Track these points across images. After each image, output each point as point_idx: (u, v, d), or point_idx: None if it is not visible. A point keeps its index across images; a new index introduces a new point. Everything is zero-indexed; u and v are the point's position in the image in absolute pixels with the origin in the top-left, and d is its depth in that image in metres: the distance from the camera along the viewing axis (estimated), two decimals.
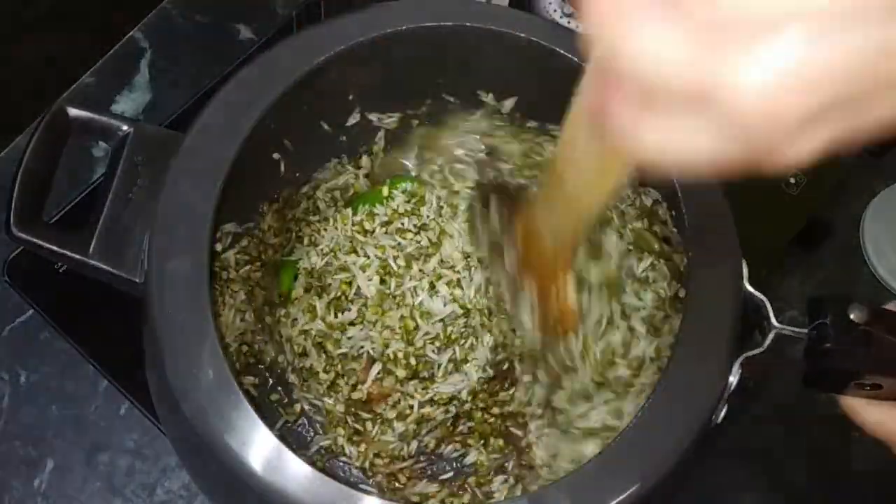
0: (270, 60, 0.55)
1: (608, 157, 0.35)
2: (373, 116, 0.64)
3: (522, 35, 0.56)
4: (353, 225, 0.66)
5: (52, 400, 0.67)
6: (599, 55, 0.28)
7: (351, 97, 0.61)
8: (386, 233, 0.66)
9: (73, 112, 0.53)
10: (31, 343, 0.69)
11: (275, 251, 0.64)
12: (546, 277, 0.52)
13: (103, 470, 0.66)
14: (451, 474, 0.62)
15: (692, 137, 0.27)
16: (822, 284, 0.76)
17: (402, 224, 0.66)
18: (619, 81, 0.27)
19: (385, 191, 0.67)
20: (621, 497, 0.46)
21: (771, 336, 0.50)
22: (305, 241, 0.66)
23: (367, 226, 0.66)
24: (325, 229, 0.66)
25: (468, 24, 0.57)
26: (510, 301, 0.54)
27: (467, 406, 0.63)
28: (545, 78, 0.59)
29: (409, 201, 0.67)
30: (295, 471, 0.45)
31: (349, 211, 0.67)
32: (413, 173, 0.68)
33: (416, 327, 0.63)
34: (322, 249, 0.66)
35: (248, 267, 0.61)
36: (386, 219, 0.67)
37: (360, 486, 0.61)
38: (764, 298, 0.51)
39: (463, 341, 0.64)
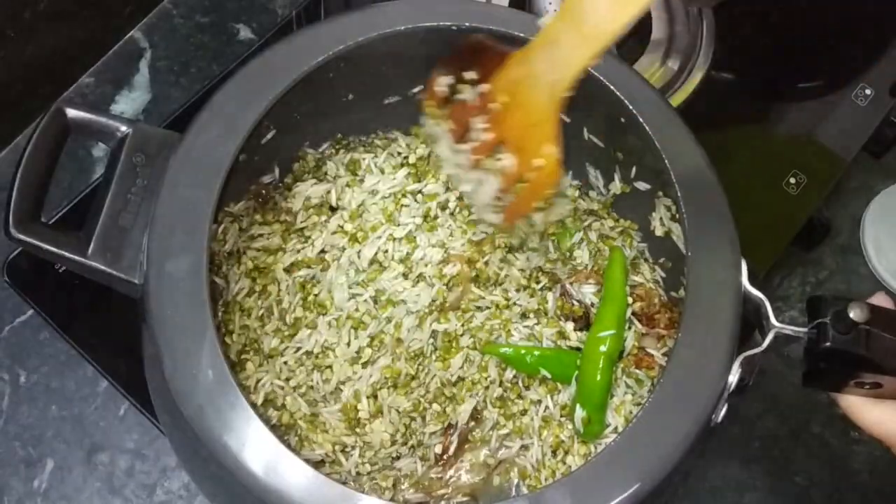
0: (270, 60, 0.55)
1: None
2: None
3: (522, 35, 0.56)
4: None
5: (51, 400, 0.67)
6: None
7: (351, 97, 0.61)
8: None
9: (72, 112, 0.53)
10: (31, 343, 0.69)
11: None
12: (524, 140, 0.52)
13: (103, 470, 0.66)
14: None
15: None
16: (822, 284, 0.76)
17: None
18: None
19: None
20: (622, 496, 0.46)
21: (770, 335, 0.50)
22: None
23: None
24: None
25: (468, 24, 0.57)
26: (474, 196, 0.56)
27: None
28: None
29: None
30: (294, 471, 0.45)
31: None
32: None
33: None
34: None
35: None
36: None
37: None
38: (763, 298, 0.51)
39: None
